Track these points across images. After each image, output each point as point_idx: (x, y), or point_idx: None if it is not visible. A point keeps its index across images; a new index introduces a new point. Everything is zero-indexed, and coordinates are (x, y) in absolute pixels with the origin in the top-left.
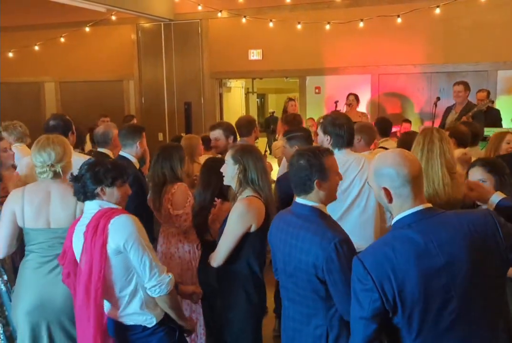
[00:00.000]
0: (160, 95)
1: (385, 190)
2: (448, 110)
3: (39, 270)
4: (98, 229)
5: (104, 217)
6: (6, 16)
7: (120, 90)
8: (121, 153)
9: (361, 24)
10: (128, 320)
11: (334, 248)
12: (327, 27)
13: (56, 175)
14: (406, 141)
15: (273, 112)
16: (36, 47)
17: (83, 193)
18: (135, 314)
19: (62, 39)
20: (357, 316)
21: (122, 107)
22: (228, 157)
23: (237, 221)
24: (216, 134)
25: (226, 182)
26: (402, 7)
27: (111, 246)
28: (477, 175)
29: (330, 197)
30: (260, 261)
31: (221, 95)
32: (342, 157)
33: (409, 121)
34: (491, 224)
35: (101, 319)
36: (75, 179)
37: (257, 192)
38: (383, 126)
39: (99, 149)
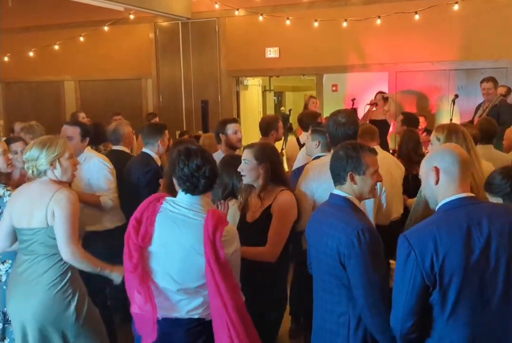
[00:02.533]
0: (178, 93)
1: (436, 169)
2: (478, 107)
3: (17, 270)
4: (216, 237)
5: (219, 225)
6: (26, 16)
7: (138, 89)
8: (144, 150)
9: (378, 21)
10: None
11: (356, 235)
12: (344, 24)
13: (39, 174)
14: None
15: (290, 110)
16: (56, 47)
17: (206, 186)
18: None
19: (82, 39)
20: (399, 289)
21: (140, 105)
22: (248, 157)
23: (288, 213)
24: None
25: (247, 181)
26: (420, 4)
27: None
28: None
29: (364, 193)
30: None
31: (238, 93)
32: None
33: (423, 115)
34: None
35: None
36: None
37: (285, 185)
38: (410, 123)
39: (114, 147)
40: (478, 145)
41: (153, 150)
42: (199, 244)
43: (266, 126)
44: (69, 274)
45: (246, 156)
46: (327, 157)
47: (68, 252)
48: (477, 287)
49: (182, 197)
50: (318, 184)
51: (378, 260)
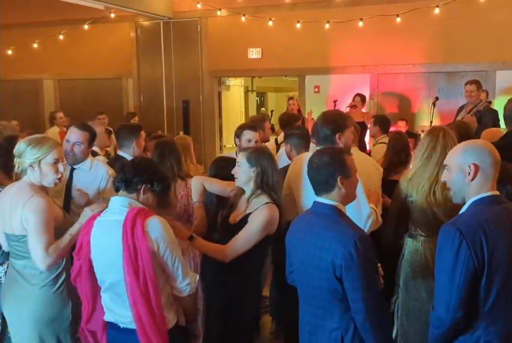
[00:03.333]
0: (159, 93)
1: (475, 165)
2: (460, 109)
3: (10, 273)
4: (136, 230)
5: (139, 216)
6: (5, 13)
7: (118, 88)
8: (119, 152)
9: (361, 24)
10: None
11: (354, 245)
12: (327, 26)
13: (21, 171)
14: (396, 141)
15: (272, 111)
16: (35, 45)
17: (126, 184)
18: None
19: (61, 37)
20: (451, 280)
21: (121, 105)
22: (242, 160)
23: (262, 228)
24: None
25: (238, 184)
26: (402, 7)
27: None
28: None
29: (350, 196)
30: (264, 260)
31: (220, 94)
32: None
33: (405, 120)
34: None
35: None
36: (124, 168)
37: (271, 196)
38: (384, 124)
39: None
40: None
41: (129, 152)
42: (120, 243)
43: (257, 124)
44: (63, 276)
45: (239, 158)
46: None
47: (40, 264)
48: None
49: (111, 202)
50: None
51: (374, 270)
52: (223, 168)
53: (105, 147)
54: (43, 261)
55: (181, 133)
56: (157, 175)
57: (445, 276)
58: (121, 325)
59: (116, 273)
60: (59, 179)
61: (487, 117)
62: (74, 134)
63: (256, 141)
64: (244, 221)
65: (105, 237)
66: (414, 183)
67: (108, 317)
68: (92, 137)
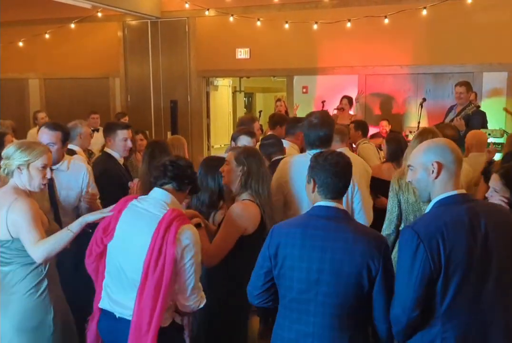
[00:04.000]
0: (146, 93)
1: (438, 163)
2: (450, 109)
3: None
4: (169, 233)
5: (177, 220)
6: None
7: (105, 88)
8: (106, 149)
9: (349, 25)
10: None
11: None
12: (315, 27)
13: (7, 174)
14: (392, 142)
15: (260, 112)
16: (21, 43)
17: (179, 182)
18: None
19: (47, 36)
20: (407, 281)
21: (108, 104)
22: (231, 158)
23: (232, 223)
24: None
25: (225, 182)
26: (390, 8)
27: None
28: (492, 182)
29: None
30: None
31: (208, 94)
32: None
33: (386, 119)
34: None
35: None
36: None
37: (253, 196)
38: (364, 129)
39: (69, 146)
40: None
41: (113, 148)
42: (149, 237)
43: (248, 125)
44: (45, 283)
45: (228, 157)
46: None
47: (37, 257)
48: (474, 280)
49: (152, 193)
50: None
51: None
52: (212, 167)
53: (87, 146)
54: (40, 254)
55: (169, 133)
56: (196, 181)
57: (402, 277)
58: (117, 315)
59: (131, 262)
60: (45, 185)
61: (475, 119)
62: (45, 135)
63: None
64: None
65: (136, 225)
66: (407, 183)
67: (104, 304)
68: (65, 136)
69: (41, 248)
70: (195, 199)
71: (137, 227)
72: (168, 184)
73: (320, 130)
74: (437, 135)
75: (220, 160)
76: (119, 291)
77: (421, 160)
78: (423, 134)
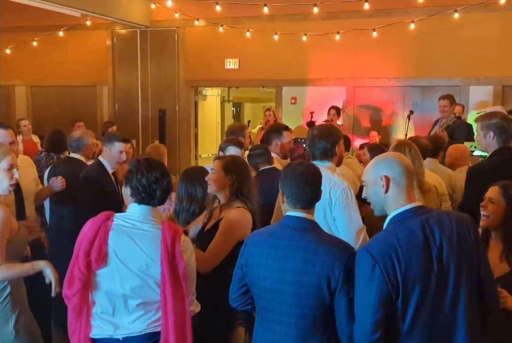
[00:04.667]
0: (134, 102)
1: (386, 178)
2: (435, 123)
3: None
4: (176, 248)
5: (177, 236)
6: None
7: (93, 96)
8: (100, 157)
9: (338, 37)
10: None
11: (349, 258)
12: (304, 38)
13: None
14: (376, 150)
15: (248, 122)
16: (8, 51)
17: (162, 198)
18: None
19: (35, 43)
20: (365, 304)
21: (95, 113)
22: (217, 167)
23: (231, 230)
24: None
25: (211, 190)
26: (378, 21)
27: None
28: (491, 193)
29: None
30: None
31: (196, 103)
32: None
33: (376, 130)
34: (470, 229)
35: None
36: (158, 181)
37: (245, 203)
38: (347, 143)
39: (72, 155)
40: (427, 158)
41: (106, 158)
42: (158, 255)
43: (231, 135)
44: (8, 290)
45: (215, 166)
46: None
47: None
48: (433, 294)
49: (134, 210)
50: None
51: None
52: (199, 178)
53: (91, 157)
54: None
55: (156, 142)
56: (171, 184)
57: (361, 300)
58: (121, 336)
59: (132, 285)
60: (13, 185)
61: (459, 131)
62: (2, 135)
63: None
64: (216, 226)
65: (132, 246)
66: None
67: (99, 333)
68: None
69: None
70: (185, 211)
71: (135, 248)
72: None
73: (319, 142)
74: (413, 147)
75: (202, 171)
76: (121, 312)
77: (370, 175)
78: (399, 147)
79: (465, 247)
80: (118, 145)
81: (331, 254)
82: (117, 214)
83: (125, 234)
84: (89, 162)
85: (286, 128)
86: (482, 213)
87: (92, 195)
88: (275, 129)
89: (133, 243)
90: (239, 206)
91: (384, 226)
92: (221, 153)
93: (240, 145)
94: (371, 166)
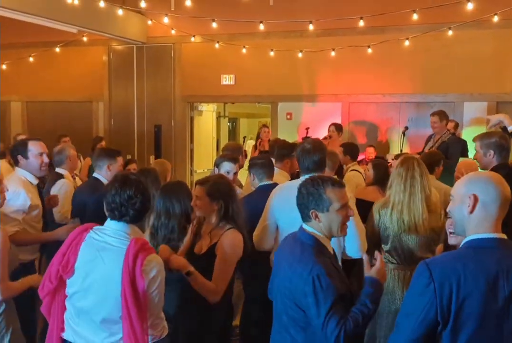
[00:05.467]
0: (130, 117)
1: (474, 197)
2: (429, 139)
3: None
4: (136, 265)
5: (142, 251)
6: None
7: (89, 111)
8: (94, 174)
9: (333, 53)
10: None
11: (311, 281)
12: (300, 55)
13: None
14: (380, 167)
15: (244, 137)
16: (4, 66)
17: (134, 217)
18: None
19: (31, 59)
20: (409, 317)
21: (91, 128)
22: (201, 193)
23: (233, 252)
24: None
25: (200, 214)
26: (373, 38)
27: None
28: None
29: (332, 231)
30: (232, 289)
31: (192, 119)
32: None
33: (373, 146)
34: None
35: None
36: (131, 199)
37: (235, 223)
38: (353, 152)
39: (56, 169)
40: None
41: (102, 174)
42: (119, 272)
43: (234, 152)
44: (2, 307)
45: (197, 192)
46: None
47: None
48: (491, 336)
49: (109, 224)
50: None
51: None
52: (176, 194)
53: (74, 170)
54: (5, 294)
55: (152, 158)
56: (149, 200)
57: (405, 311)
58: None
59: (97, 301)
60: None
61: (454, 147)
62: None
63: (234, 173)
64: (211, 252)
65: (98, 261)
66: (400, 211)
67: (68, 336)
68: None
69: (8, 290)
70: (164, 228)
71: (99, 263)
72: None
73: (313, 155)
74: (420, 161)
75: (180, 186)
76: (89, 327)
77: (460, 191)
78: (408, 161)
79: None
80: (120, 160)
81: (297, 272)
82: (95, 227)
83: (94, 247)
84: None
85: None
86: None
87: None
88: (289, 147)
89: (99, 256)
90: (230, 226)
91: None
92: (216, 169)
93: (234, 160)
94: (463, 181)
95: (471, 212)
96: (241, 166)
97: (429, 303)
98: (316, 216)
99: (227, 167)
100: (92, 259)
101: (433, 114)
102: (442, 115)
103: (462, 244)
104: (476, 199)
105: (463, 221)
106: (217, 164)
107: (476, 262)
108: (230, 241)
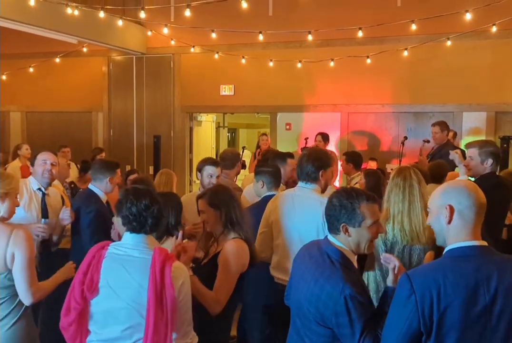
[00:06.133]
0: (129, 127)
1: (450, 207)
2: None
3: None
4: (165, 274)
5: (168, 260)
6: None
7: (88, 122)
8: (90, 186)
9: (332, 64)
10: None
11: (343, 302)
12: (299, 65)
13: None
14: (372, 175)
15: (243, 147)
16: (4, 77)
17: (153, 225)
18: None
19: (31, 69)
20: (393, 329)
21: (90, 139)
22: (204, 206)
23: (233, 264)
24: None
25: (210, 229)
26: (372, 49)
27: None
28: None
29: (360, 247)
30: (237, 300)
31: (191, 129)
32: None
33: (375, 159)
34: None
35: None
36: (148, 209)
37: (238, 232)
38: (356, 161)
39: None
40: (430, 184)
41: (101, 187)
42: (146, 282)
43: (233, 158)
44: (26, 315)
45: (201, 206)
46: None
47: (29, 298)
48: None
49: (127, 238)
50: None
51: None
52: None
53: (65, 179)
54: (31, 296)
55: (151, 168)
56: (161, 211)
57: (389, 323)
58: None
59: (124, 314)
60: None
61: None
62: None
63: (217, 176)
64: (212, 261)
65: (123, 274)
66: (399, 222)
67: None
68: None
69: (39, 291)
70: None
71: (125, 275)
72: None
73: (307, 164)
74: (415, 169)
75: (168, 196)
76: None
77: (436, 202)
78: (403, 170)
79: None
80: (118, 172)
81: (325, 290)
82: (112, 243)
83: (117, 261)
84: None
85: (291, 155)
86: None
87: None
88: (280, 156)
89: (124, 270)
90: (234, 236)
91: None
92: (198, 175)
93: (215, 163)
94: (438, 193)
95: (449, 222)
96: (237, 173)
97: (411, 314)
98: (347, 230)
99: (209, 170)
100: (117, 273)
101: (433, 124)
102: (443, 125)
103: (444, 253)
104: (452, 209)
105: (443, 232)
106: (199, 169)
107: (456, 271)
108: (233, 250)
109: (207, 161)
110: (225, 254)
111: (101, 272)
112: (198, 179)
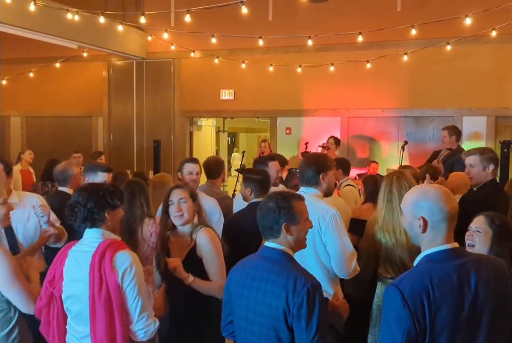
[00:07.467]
0: (130, 132)
1: (423, 219)
2: (435, 153)
3: None
4: (104, 262)
5: (109, 249)
6: None
7: (88, 127)
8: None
9: (332, 68)
10: None
11: (306, 293)
12: (299, 70)
13: None
14: (369, 181)
15: (243, 152)
16: (4, 81)
17: (90, 220)
18: None
19: (31, 74)
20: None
21: (90, 143)
22: (186, 195)
23: (219, 248)
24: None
25: (185, 220)
26: (372, 53)
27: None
28: (476, 222)
29: (299, 243)
30: None
31: (191, 134)
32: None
33: (376, 162)
34: (507, 274)
35: None
36: (74, 207)
37: (206, 222)
38: (346, 167)
39: (60, 188)
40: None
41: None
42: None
43: (217, 167)
44: (17, 327)
45: (185, 194)
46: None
47: (31, 308)
48: (464, 341)
49: (85, 234)
50: None
51: (325, 319)
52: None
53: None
54: (26, 307)
55: (151, 172)
56: (107, 194)
57: (386, 337)
58: None
59: (81, 304)
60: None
61: (461, 163)
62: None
63: (197, 173)
64: (192, 256)
65: (75, 267)
66: (383, 226)
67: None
68: (7, 168)
69: (35, 295)
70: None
71: (76, 270)
72: (95, 221)
73: (306, 169)
74: (403, 174)
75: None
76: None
77: (409, 211)
78: (388, 176)
79: (502, 294)
80: (101, 175)
81: (288, 288)
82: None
83: (73, 257)
84: None
85: (272, 158)
86: (467, 242)
87: None
88: (261, 161)
89: (78, 265)
90: (199, 225)
91: (415, 262)
92: (179, 174)
93: (194, 160)
94: (411, 200)
95: (423, 231)
96: (223, 180)
97: (408, 323)
98: (288, 229)
99: (189, 168)
100: (70, 270)
101: (443, 129)
102: (451, 130)
103: (419, 258)
104: (425, 221)
105: (418, 238)
106: (179, 169)
107: (439, 273)
108: (213, 237)
109: (185, 160)
110: (209, 241)
111: (63, 270)
112: (179, 179)
